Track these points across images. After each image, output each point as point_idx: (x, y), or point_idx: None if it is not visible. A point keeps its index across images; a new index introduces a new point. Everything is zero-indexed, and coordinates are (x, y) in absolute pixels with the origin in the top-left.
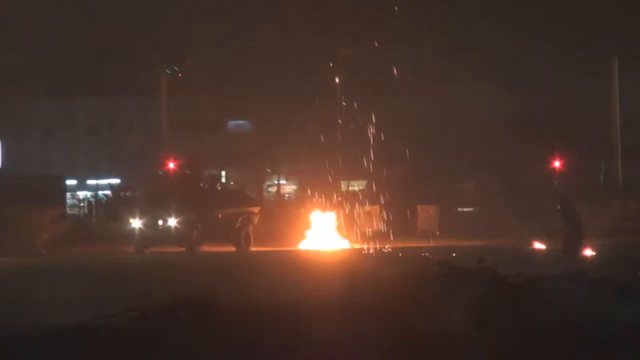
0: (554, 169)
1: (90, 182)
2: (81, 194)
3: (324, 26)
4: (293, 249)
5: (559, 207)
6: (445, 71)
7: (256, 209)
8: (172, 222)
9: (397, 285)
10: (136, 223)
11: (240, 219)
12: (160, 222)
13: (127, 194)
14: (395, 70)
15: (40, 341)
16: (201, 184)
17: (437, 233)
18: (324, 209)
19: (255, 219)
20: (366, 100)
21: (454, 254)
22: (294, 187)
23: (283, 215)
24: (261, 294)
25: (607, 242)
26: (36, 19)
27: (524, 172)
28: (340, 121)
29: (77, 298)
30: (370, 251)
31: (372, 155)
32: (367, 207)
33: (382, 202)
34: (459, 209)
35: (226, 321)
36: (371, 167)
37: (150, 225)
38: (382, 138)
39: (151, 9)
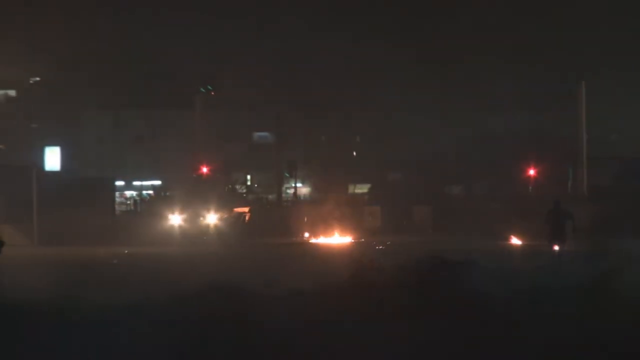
0: (530, 176)
1: (135, 183)
2: (128, 193)
3: (335, 49)
4: (306, 241)
5: (552, 207)
6: (440, 94)
7: (246, 209)
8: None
9: (396, 274)
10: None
11: (242, 217)
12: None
13: (167, 193)
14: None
15: (104, 318)
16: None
17: (430, 230)
18: (333, 208)
19: (247, 217)
20: (372, 116)
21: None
22: (309, 189)
23: (296, 213)
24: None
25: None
26: (91, 45)
27: (505, 179)
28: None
29: (127, 283)
30: (373, 244)
31: (375, 162)
32: (371, 207)
33: (384, 202)
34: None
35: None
36: (374, 173)
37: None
38: (385, 148)
39: (188, 38)
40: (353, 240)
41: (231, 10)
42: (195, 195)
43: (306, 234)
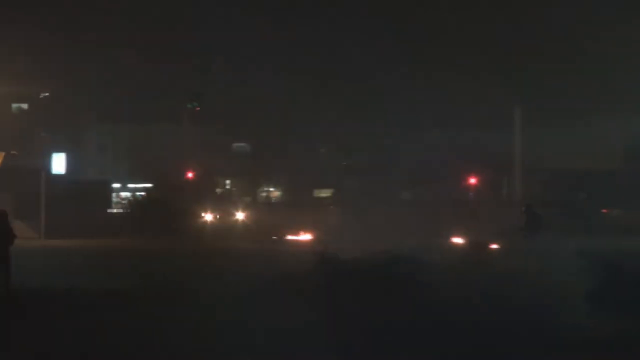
0: (471, 184)
1: (130, 185)
2: (123, 194)
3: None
4: (278, 238)
5: (523, 209)
6: (395, 110)
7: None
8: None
9: (352, 264)
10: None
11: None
12: None
13: (157, 195)
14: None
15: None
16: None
17: (384, 229)
18: (300, 209)
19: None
20: (335, 129)
21: None
22: (280, 193)
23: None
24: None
25: (508, 239)
26: (94, 65)
27: (449, 186)
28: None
29: (120, 271)
30: (333, 241)
31: (337, 170)
32: (333, 208)
33: (344, 205)
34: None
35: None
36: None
37: None
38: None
39: (175, 62)
40: (317, 238)
41: (212, 36)
42: (184, 197)
43: (280, 232)
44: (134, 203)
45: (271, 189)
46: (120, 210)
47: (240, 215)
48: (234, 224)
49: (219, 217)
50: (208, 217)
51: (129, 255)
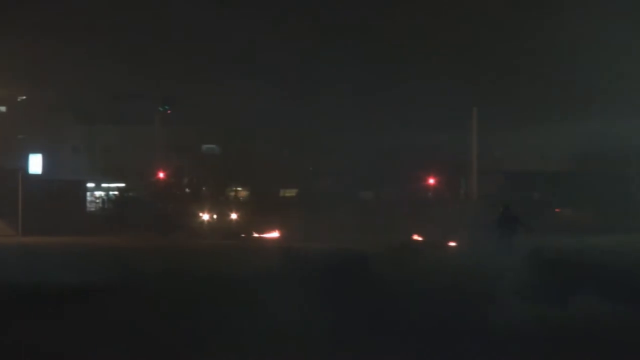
0: (429, 184)
1: (104, 185)
2: (97, 193)
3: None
4: (247, 235)
5: (501, 209)
6: (356, 113)
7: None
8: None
9: (319, 259)
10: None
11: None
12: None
13: (130, 194)
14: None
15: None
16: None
17: (347, 228)
18: (267, 209)
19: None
20: (300, 132)
21: None
22: (247, 192)
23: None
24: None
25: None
26: (70, 68)
27: (409, 186)
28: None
29: (93, 266)
30: (300, 238)
31: (301, 171)
32: (298, 208)
33: (308, 204)
34: None
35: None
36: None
37: None
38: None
39: (149, 65)
40: (284, 235)
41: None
42: (157, 196)
43: (248, 230)
44: (107, 202)
45: (239, 189)
46: (94, 209)
47: (234, 215)
48: (227, 223)
49: (215, 217)
50: (205, 216)
51: (102, 252)
